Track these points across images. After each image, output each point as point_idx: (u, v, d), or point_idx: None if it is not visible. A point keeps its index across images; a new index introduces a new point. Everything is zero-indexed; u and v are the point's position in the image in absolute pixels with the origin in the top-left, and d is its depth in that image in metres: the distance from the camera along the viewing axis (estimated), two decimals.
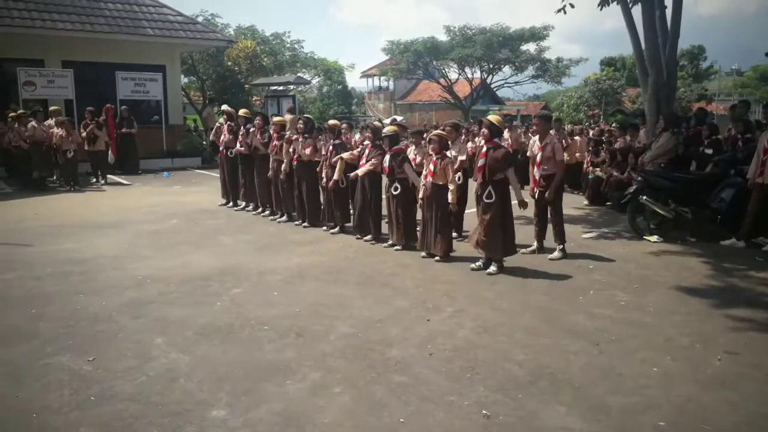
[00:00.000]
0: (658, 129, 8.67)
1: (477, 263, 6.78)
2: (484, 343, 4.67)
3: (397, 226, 7.72)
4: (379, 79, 52.20)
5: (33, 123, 13.00)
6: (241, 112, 10.47)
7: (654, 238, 8.42)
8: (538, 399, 3.77)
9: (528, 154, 8.07)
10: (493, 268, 6.63)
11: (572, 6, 9.60)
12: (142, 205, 10.93)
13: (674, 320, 5.23)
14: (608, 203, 11.20)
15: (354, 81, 49.59)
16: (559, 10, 9.70)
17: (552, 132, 7.58)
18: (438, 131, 7.71)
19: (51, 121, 13.63)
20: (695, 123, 10.25)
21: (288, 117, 9.78)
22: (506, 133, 14.24)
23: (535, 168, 7.35)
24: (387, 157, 7.71)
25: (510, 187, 6.64)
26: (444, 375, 4.10)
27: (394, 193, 7.68)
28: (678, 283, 6.34)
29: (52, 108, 14.44)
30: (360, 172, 8.00)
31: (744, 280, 6.52)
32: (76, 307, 5.40)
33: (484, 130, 6.76)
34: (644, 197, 8.44)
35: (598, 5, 10.08)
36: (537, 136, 7.50)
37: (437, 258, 7.14)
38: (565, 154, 8.01)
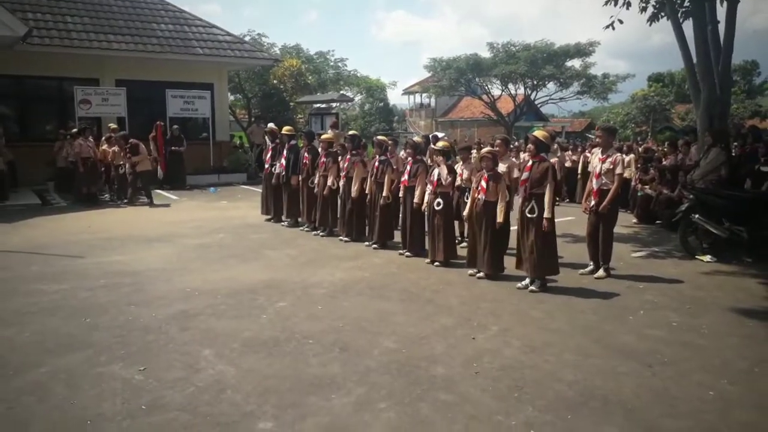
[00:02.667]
0: (706, 145, 8.43)
1: (523, 282, 6.68)
2: (531, 362, 4.58)
3: (437, 242, 7.69)
4: (421, 96, 52.41)
5: (80, 140, 13.43)
6: (285, 129, 10.63)
7: (707, 257, 8.16)
8: (588, 420, 3.68)
9: (588, 168, 8.00)
10: (534, 286, 6.56)
11: (621, 22, 9.47)
12: (189, 220, 11.17)
13: (730, 343, 5.05)
14: (658, 221, 10.92)
15: (395, 98, 50.01)
16: (607, 26, 9.57)
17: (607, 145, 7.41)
18: (490, 148, 7.66)
19: (105, 138, 14.15)
20: (751, 140, 9.94)
21: (331, 132, 9.92)
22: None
23: (594, 180, 7.21)
24: (436, 171, 7.70)
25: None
26: (491, 394, 4.03)
27: (437, 208, 7.66)
28: (733, 304, 6.12)
29: (111, 125, 14.89)
30: (417, 200, 8.04)
31: None
32: (128, 318, 5.53)
33: (530, 146, 6.77)
34: (696, 215, 8.21)
35: (648, 20, 9.90)
36: (599, 149, 7.39)
37: (480, 275, 7.07)
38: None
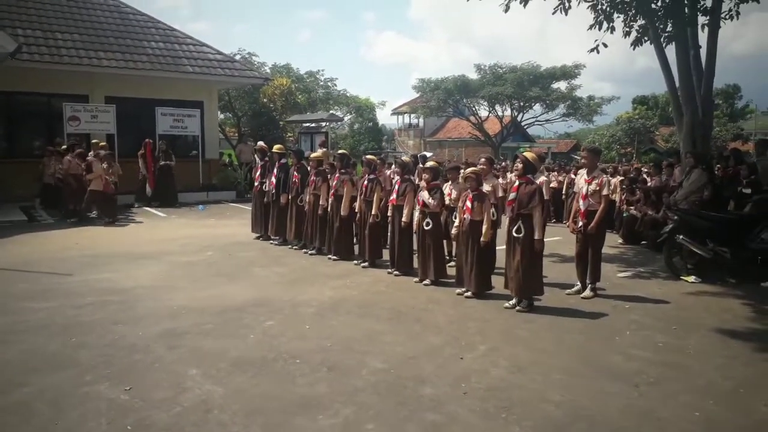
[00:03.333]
0: (687, 166, 8.59)
1: (510, 302, 6.72)
2: (519, 382, 4.60)
3: (426, 261, 7.73)
4: (410, 116, 52.83)
5: (68, 157, 13.39)
6: (276, 148, 10.67)
7: (691, 278, 8.25)
8: None
9: (574, 189, 8.06)
10: (521, 306, 6.60)
11: (605, 45, 9.64)
12: (177, 237, 11.13)
13: (716, 363, 5.10)
14: (643, 242, 11.04)
15: (384, 118, 50.27)
16: (592, 50, 9.75)
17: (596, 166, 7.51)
18: (473, 168, 7.76)
19: (92, 154, 14.06)
20: (734, 162, 10.11)
21: (320, 151, 9.97)
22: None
23: (581, 201, 7.28)
24: (425, 193, 7.76)
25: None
26: (478, 415, 4.04)
27: (426, 228, 7.71)
28: (718, 325, 6.19)
29: (94, 141, 14.84)
30: (406, 218, 8.07)
31: None
32: (114, 337, 5.49)
33: (519, 165, 6.81)
34: (681, 236, 8.31)
35: (631, 45, 10.10)
36: (585, 170, 7.48)
37: (468, 294, 7.10)
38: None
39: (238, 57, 23.76)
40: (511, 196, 6.70)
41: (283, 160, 10.44)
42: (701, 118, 9.97)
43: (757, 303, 7.07)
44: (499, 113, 41.18)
